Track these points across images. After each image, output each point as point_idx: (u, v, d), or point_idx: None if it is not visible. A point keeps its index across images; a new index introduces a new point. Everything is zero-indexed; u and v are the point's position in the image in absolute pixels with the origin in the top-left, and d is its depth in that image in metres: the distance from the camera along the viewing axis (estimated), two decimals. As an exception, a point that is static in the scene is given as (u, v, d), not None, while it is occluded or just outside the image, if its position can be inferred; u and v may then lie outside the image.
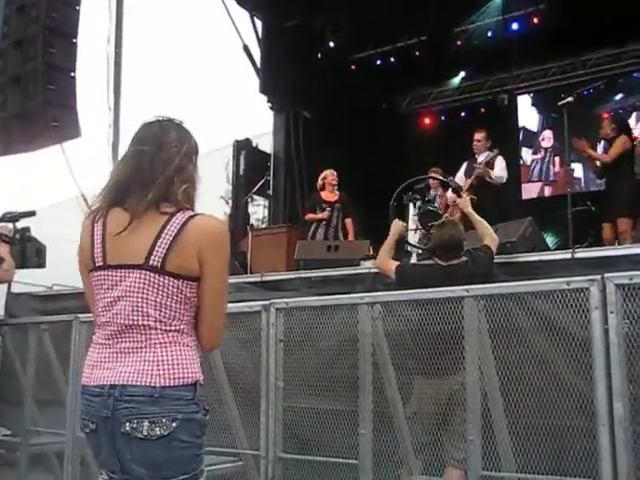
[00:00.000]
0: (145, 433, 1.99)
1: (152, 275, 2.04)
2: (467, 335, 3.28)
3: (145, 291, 2.05)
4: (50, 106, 7.88)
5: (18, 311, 6.81)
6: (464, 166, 7.88)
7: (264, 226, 12.06)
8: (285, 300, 3.93)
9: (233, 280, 6.02)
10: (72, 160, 8.53)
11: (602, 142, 8.38)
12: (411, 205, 7.55)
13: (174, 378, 2.04)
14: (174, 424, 2.01)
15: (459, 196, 4.89)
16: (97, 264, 2.11)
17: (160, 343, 2.06)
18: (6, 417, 5.68)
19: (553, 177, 12.60)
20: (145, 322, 2.05)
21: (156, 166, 2.10)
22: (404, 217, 5.76)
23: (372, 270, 5.37)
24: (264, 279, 5.89)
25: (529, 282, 3.46)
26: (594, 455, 2.99)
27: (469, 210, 4.82)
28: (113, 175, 2.17)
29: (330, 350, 3.76)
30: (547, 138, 12.71)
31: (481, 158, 7.66)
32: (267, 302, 3.90)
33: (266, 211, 12.36)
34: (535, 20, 11.33)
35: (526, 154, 12.96)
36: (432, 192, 8.50)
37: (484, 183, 7.40)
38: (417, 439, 3.67)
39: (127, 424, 2.00)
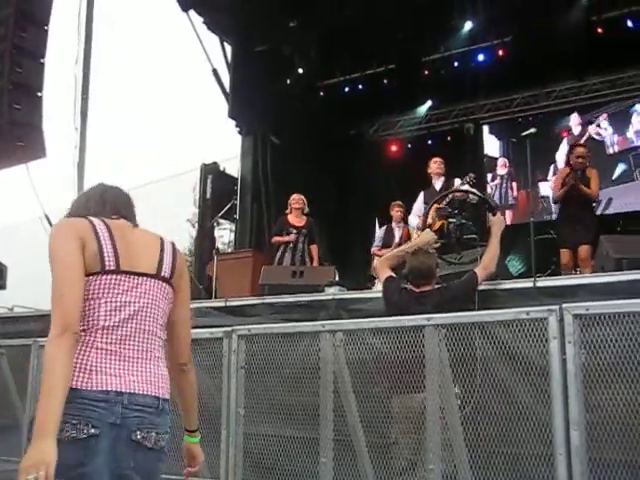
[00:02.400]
0: (152, 443, 2.08)
1: (164, 285, 2.21)
2: (428, 364, 3.30)
3: (158, 299, 2.19)
4: (16, 125, 7.82)
5: (-24, 333, 6.66)
6: (421, 196, 7.84)
7: (230, 250, 12.03)
8: (247, 327, 3.92)
9: (197, 305, 5.98)
10: (36, 180, 8.45)
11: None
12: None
13: (167, 391, 2.17)
14: (167, 436, 2.15)
15: (494, 214, 4.86)
16: (108, 268, 2.11)
17: (159, 357, 2.18)
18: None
19: (513, 201, 12.90)
20: (154, 328, 2.17)
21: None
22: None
23: (336, 297, 5.38)
24: (228, 304, 5.85)
25: (489, 312, 3.50)
26: (552, 483, 3.02)
27: (497, 233, 4.73)
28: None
29: (292, 377, 3.74)
30: (502, 165, 13.04)
31: (439, 184, 7.69)
32: (229, 329, 3.88)
33: (232, 235, 12.34)
34: (500, 52, 11.58)
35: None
36: (394, 224, 8.63)
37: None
38: (397, 464, 3.63)
39: (138, 432, 2.05)
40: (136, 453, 2.05)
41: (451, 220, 5.95)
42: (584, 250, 6.67)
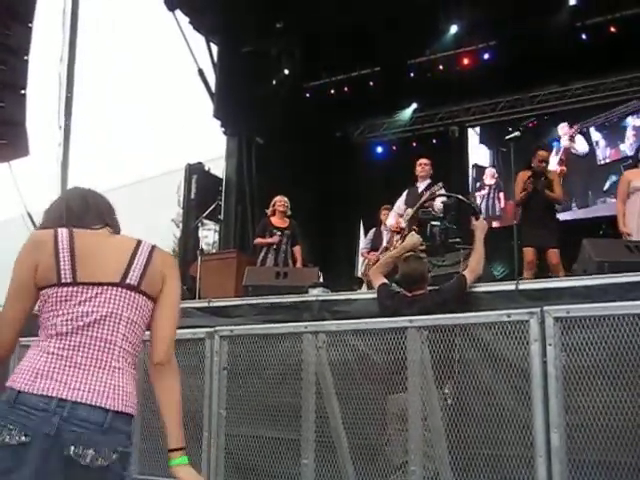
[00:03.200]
0: (88, 461, 1.97)
1: (128, 292, 2.14)
2: (410, 365, 3.32)
3: (121, 307, 2.11)
4: (-1, 123, 7.75)
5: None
6: (404, 194, 7.93)
7: (214, 251, 11.99)
8: (229, 327, 3.91)
9: (180, 305, 5.95)
10: (19, 178, 8.38)
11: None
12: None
13: (124, 406, 2.06)
14: (114, 456, 2.01)
15: (477, 219, 4.97)
16: (63, 281, 2.10)
17: (118, 368, 2.09)
18: None
19: (500, 212, 12.90)
20: (113, 338, 2.09)
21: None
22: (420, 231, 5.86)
23: (319, 298, 5.39)
24: (211, 304, 5.83)
25: (471, 314, 3.52)
26: (532, 485, 3.05)
27: (481, 236, 4.84)
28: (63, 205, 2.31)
29: (274, 378, 3.75)
30: (489, 175, 13.06)
31: (422, 186, 7.75)
32: (211, 329, 3.87)
33: (217, 236, 12.31)
34: (486, 56, 11.63)
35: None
36: (382, 226, 8.68)
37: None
38: (391, 465, 3.64)
39: (72, 447, 1.96)
40: (68, 469, 1.97)
41: (435, 224, 5.99)
42: (554, 254, 6.74)
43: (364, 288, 7.89)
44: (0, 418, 1.97)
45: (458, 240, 6.02)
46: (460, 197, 6.52)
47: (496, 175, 12.97)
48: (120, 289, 2.13)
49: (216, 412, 3.85)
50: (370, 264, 8.39)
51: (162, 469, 3.96)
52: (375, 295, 4.78)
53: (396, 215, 7.86)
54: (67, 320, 2.07)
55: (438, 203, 7.12)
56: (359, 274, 8.83)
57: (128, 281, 2.14)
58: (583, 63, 10.58)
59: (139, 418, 4.00)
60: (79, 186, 2.43)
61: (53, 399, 1.98)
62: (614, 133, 12.00)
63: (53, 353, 2.05)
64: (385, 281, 4.75)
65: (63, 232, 2.16)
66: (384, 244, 8.46)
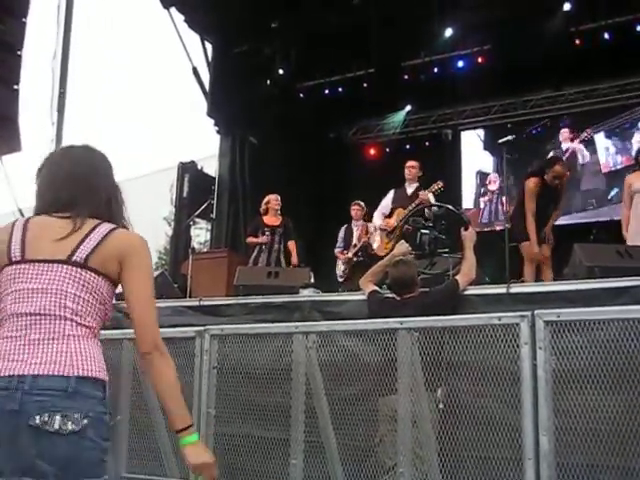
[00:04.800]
0: (56, 427, 1.94)
1: (74, 269, 2.11)
2: (400, 367, 3.32)
3: (65, 284, 2.10)
4: (-10, 119, 7.70)
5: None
6: (391, 194, 7.95)
7: (205, 250, 11.97)
8: (220, 326, 3.90)
9: (171, 303, 5.95)
10: (11, 174, 8.34)
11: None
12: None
13: (86, 370, 2.03)
14: (85, 421, 1.98)
15: (466, 229, 5.05)
16: (14, 259, 2.13)
17: (73, 335, 2.06)
18: None
19: (503, 217, 12.74)
20: (61, 313, 2.07)
21: (96, 186, 2.27)
22: (409, 240, 5.88)
23: (310, 298, 5.39)
24: (202, 303, 5.82)
25: (462, 316, 3.53)
26: (521, 488, 3.05)
27: (470, 245, 4.90)
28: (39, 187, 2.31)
29: (264, 378, 3.74)
30: (493, 181, 12.99)
31: (410, 189, 7.77)
32: (202, 328, 3.86)
33: (208, 234, 12.29)
34: (480, 59, 11.66)
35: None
36: (353, 223, 8.70)
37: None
38: (382, 466, 3.64)
39: (37, 417, 1.93)
40: (39, 441, 1.94)
41: (424, 232, 6.01)
42: (546, 249, 6.76)
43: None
44: None
45: (447, 250, 6.06)
46: (450, 207, 6.57)
47: (499, 181, 12.87)
48: (66, 266, 2.11)
49: (205, 411, 3.84)
50: (344, 264, 8.46)
51: (151, 468, 3.96)
52: (366, 296, 4.80)
53: (382, 215, 7.89)
54: (16, 298, 2.08)
55: (431, 197, 7.20)
56: (337, 277, 8.76)
57: (74, 259, 2.11)
58: (577, 68, 10.63)
59: (127, 417, 3.99)
60: (73, 147, 2.40)
61: (14, 377, 1.96)
62: (626, 139, 11.76)
63: (8, 337, 2.05)
64: (375, 288, 4.82)
65: (20, 220, 2.21)
66: (354, 241, 8.49)
